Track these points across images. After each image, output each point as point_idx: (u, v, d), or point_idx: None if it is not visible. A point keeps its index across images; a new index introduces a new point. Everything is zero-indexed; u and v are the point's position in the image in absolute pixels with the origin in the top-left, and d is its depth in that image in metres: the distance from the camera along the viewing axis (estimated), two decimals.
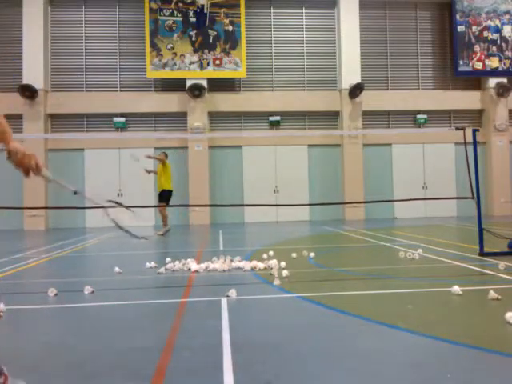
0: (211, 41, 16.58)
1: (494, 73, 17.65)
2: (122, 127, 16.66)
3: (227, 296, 4.35)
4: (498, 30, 17.80)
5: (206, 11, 16.62)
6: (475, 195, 6.83)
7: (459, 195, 15.67)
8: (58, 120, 16.70)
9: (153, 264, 6.34)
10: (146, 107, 16.61)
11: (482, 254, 6.62)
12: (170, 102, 16.71)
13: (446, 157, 17.57)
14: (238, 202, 16.00)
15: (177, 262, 6.28)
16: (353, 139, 16.96)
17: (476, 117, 18.16)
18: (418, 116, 17.71)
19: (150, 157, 12.11)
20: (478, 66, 17.63)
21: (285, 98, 17.10)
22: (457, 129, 7.20)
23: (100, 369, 2.65)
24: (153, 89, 16.97)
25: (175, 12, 16.50)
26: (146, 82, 16.91)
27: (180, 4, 16.50)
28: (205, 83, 16.38)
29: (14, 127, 16.21)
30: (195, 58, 16.50)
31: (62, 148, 16.38)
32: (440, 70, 18.11)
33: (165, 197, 11.45)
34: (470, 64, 17.57)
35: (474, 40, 17.64)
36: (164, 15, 16.46)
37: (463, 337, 3.07)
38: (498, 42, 17.79)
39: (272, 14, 17.50)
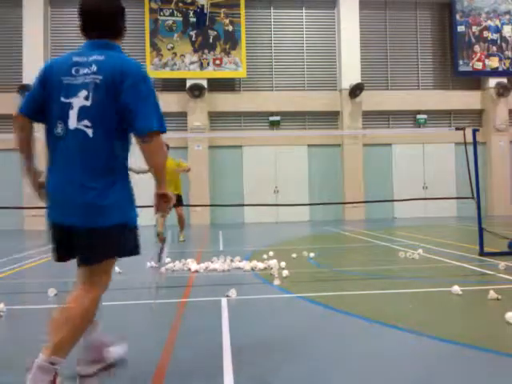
0: (211, 41, 16.58)
1: (494, 73, 17.64)
2: None
3: (227, 296, 4.35)
4: (498, 30, 17.79)
5: (206, 11, 16.62)
6: (475, 195, 6.83)
7: (459, 195, 15.67)
8: None
9: (153, 264, 6.34)
10: None
11: (482, 254, 6.62)
12: (170, 102, 16.69)
13: (446, 157, 17.56)
14: (238, 202, 16.00)
15: (177, 262, 6.28)
16: (353, 139, 16.95)
17: (476, 117, 18.16)
18: (418, 116, 17.71)
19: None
20: (478, 65, 17.62)
21: (285, 98, 17.10)
22: (457, 129, 7.20)
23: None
24: None
25: (175, 12, 16.49)
26: None
27: (180, 4, 16.50)
28: (205, 83, 16.37)
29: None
30: (195, 58, 16.50)
31: None
32: (440, 70, 18.10)
33: (181, 201, 9.95)
34: (470, 64, 17.57)
35: (474, 40, 17.63)
36: (164, 15, 16.46)
37: (463, 337, 3.07)
38: (498, 41, 17.78)
39: (272, 14, 17.49)
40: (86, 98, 2.22)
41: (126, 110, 2.23)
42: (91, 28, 2.36)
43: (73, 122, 2.22)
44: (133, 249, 2.44)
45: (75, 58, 2.29)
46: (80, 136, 2.22)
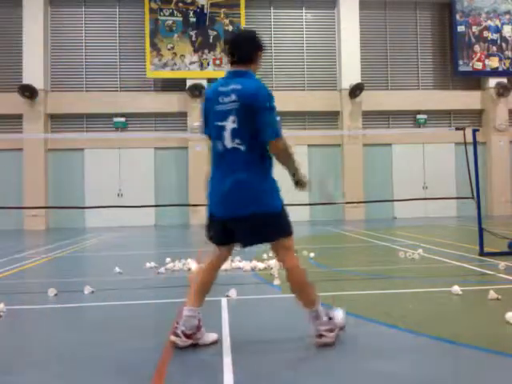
0: (211, 41, 16.58)
1: (494, 73, 17.65)
2: (122, 127, 16.66)
3: (227, 296, 4.34)
4: (498, 30, 17.80)
5: (206, 11, 16.62)
6: (475, 195, 6.83)
7: (459, 195, 15.67)
8: (57, 120, 16.69)
9: (153, 264, 6.34)
10: (145, 107, 16.61)
11: (482, 254, 6.62)
12: (170, 102, 16.71)
13: (446, 157, 17.56)
14: None
15: (177, 262, 6.27)
16: (353, 139, 16.95)
17: (476, 117, 18.16)
18: (418, 116, 17.71)
19: None
20: (478, 66, 17.62)
21: (285, 98, 17.08)
22: (457, 129, 7.20)
23: (100, 369, 2.65)
24: (153, 89, 16.97)
25: (175, 12, 16.49)
26: (146, 82, 16.90)
27: (180, 4, 16.50)
28: (205, 83, 16.37)
29: (13, 127, 16.22)
30: (195, 58, 16.50)
31: (62, 148, 16.37)
32: (440, 70, 18.10)
33: None
34: (470, 64, 17.57)
35: (474, 40, 17.63)
36: (164, 15, 16.46)
37: (463, 337, 3.06)
38: (498, 41, 17.79)
39: (272, 14, 17.49)
40: (234, 122, 2.81)
41: (257, 127, 2.84)
42: (232, 57, 2.98)
43: (228, 142, 2.83)
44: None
45: (220, 88, 2.89)
46: (235, 152, 2.82)
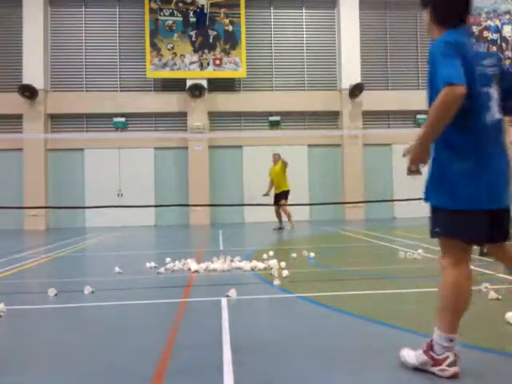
0: (211, 41, 16.58)
1: None
2: (122, 127, 16.66)
3: (227, 296, 4.34)
4: (497, 30, 17.80)
5: (206, 11, 16.62)
6: None
7: None
8: (57, 120, 16.69)
9: (153, 264, 6.33)
10: (145, 107, 16.61)
11: (482, 253, 6.61)
12: (170, 102, 16.71)
13: None
14: (238, 202, 16.00)
15: (177, 262, 6.27)
16: (353, 139, 16.95)
17: None
18: (418, 116, 17.69)
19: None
20: None
21: (285, 98, 17.09)
22: None
23: (100, 369, 2.65)
24: (153, 89, 16.96)
25: (175, 12, 16.49)
26: (146, 82, 16.90)
27: (180, 4, 16.50)
28: (205, 83, 16.37)
29: (13, 127, 16.22)
30: (195, 58, 16.50)
31: (62, 148, 16.37)
32: None
33: (286, 195, 12.48)
34: None
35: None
36: (164, 15, 16.46)
37: (463, 337, 3.06)
38: (498, 41, 17.78)
39: (272, 14, 17.49)
40: (497, 90, 2.37)
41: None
42: (467, 13, 2.42)
43: (495, 113, 2.35)
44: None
45: (477, 48, 2.40)
46: (501, 126, 2.39)
